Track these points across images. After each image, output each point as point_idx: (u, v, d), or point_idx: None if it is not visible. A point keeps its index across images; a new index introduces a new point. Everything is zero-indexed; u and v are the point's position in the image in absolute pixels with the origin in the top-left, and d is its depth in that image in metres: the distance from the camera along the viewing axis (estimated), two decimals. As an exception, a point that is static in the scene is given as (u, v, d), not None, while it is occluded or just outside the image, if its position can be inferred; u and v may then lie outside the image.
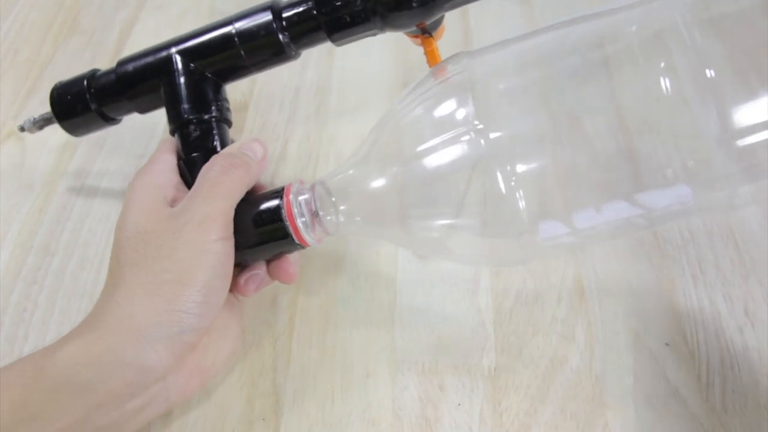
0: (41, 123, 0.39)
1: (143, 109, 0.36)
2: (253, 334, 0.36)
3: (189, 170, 0.33)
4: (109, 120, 0.38)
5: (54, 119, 0.38)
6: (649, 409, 0.32)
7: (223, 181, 0.30)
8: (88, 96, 0.36)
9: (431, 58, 0.35)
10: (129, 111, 0.37)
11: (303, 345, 0.36)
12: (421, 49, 0.36)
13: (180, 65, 0.34)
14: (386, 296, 0.37)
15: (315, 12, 0.32)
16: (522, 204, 0.28)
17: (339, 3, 0.31)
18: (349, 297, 0.37)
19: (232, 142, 0.35)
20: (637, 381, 0.33)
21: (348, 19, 0.31)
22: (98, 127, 0.38)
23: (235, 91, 0.49)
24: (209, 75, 0.34)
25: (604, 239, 0.35)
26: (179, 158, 0.34)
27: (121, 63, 0.36)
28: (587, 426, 0.32)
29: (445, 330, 0.36)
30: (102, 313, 0.27)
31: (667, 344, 0.34)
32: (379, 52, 0.50)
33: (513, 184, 0.28)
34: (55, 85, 0.38)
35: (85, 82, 0.37)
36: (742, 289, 0.36)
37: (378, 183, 0.30)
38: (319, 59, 0.50)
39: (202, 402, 0.34)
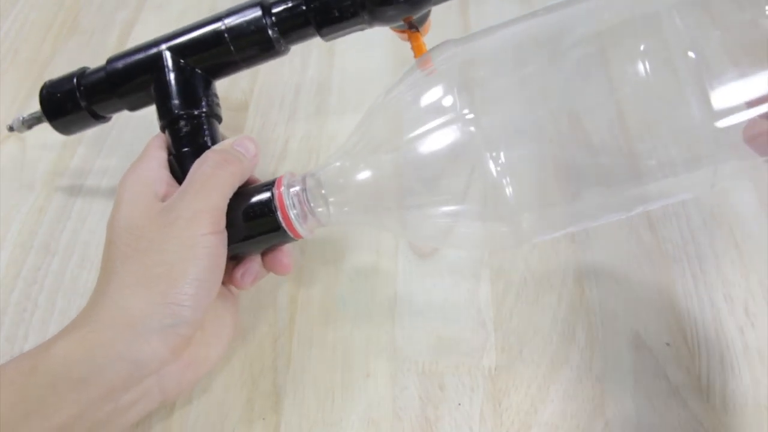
0: (31, 122, 0.39)
1: (134, 107, 0.36)
2: (253, 334, 0.36)
3: (180, 165, 0.33)
4: (100, 118, 0.38)
5: (44, 118, 0.37)
6: (649, 409, 0.32)
7: (214, 176, 0.30)
8: (78, 94, 0.36)
9: (418, 52, 0.36)
10: (119, 109, 0.37)
11: (303, 345, 0.36)
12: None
13: (170, 62, 0.34)
14: (386, 295, 0.37)
15: (304, 7, 0.32)
16: (511, 196, 0.28)
17: None
18: (349, 296, 0.37)
19: (224, 138, 0.35)
20: (637, 381, 0.33)
21: (336, 14, 0.32)
22: (89, 125, 0.38)
23: (235, 90, 0.49)
24: (199, 71, 0.34)
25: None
26: (170, 153, 0.34)
27: (111, 60, 0.36)
28: (587, 426, 0.32)
29: (445, 330, 0.36)
30: (95, 307, 0.28)
31: (667, 344, 0.34)
32: (380, 52, 0.50)
33: (502, 172, 0.28)
34: (45, 83, 0.37)
35: (75, 81, 0.36)
36: (742, 289, 0.36)
37: (366, 173, 0.30)
38: (320, 58, 0.50)
39: (203, 401, 0.34)
